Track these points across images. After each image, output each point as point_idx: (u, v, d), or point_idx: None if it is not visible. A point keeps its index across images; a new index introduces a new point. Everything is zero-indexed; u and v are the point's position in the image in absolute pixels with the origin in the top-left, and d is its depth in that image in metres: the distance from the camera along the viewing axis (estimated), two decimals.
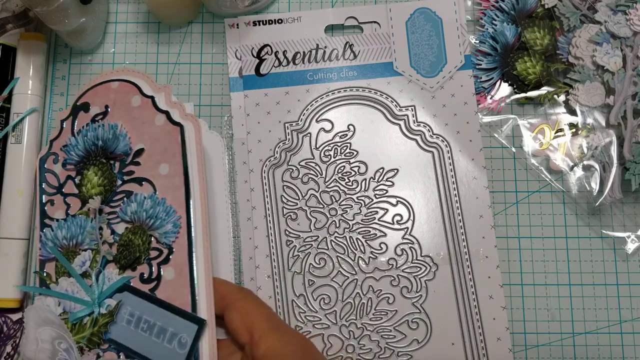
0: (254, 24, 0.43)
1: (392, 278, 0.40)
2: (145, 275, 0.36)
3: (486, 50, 0.42)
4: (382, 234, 0.40)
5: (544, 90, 0.42)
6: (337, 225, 0.40)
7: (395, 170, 0.41)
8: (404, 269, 0.40)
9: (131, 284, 0.36)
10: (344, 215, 0.40)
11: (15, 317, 0.40)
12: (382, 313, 0.39)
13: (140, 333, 0.35)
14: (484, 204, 0.40)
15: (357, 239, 0.40)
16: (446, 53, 0.42)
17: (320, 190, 0.41)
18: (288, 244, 0.40)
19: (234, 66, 0.43)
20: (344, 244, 0.40)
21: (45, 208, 0.39)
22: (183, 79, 0.44)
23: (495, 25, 0.42)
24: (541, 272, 0.41)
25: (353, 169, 0.41)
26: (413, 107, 0.42)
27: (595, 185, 0.40)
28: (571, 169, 0.41)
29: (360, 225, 0.40)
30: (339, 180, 0.41)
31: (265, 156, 0.41)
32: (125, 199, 0.37)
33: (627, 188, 0.40)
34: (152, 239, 0.36)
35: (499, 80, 0.42)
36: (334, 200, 0.41)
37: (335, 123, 0.42)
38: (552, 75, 0.41)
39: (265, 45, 0.43)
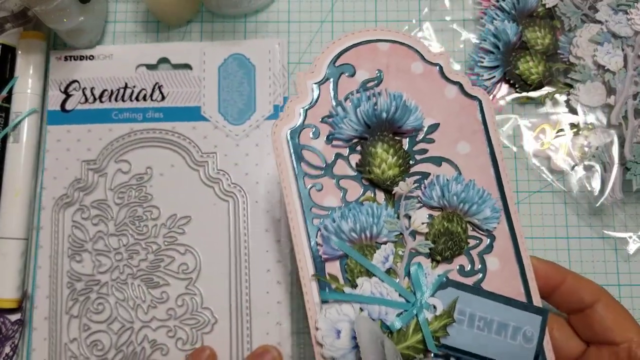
0: (66, 59, 0.42)
1: (169, 329, 0.39)
2: (467, 268, 0.32)
3: (488, 47, 0.42)
4: (166, 282, 0.39)
5: (545, 90, 0.41)
6: (121, 271, 0.40)
7: (188, 218, 0.40)
8: (182, 319, 0.39)
9: (449, 278, 0.31)
10: (130, 260, 0.40)
11: (13, 317, 0.39)
12: None
13: (477, 332, 0.31)
14: (273, 258, 0.39)
15: (138, 285, 0.39)
16: (256, 101, 0.42)
17: (109, 233, 0.40)
18: (69, 286, 0.39)
19: (56, 99, 0.42)
20: (125, 290, 0.39)
21: (310, 194, 0.31)
22: None
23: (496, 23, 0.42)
24: None
25: (146, 213, 0.40)
26: (215, 154, 0.41)
27: (596, 185, 0.40)
28: (572, 168, 0.41)
29: (144, 272, 0.39)
30: (130, 224, 0.40)
31: (59, 194, 0.41)
32: (424, 181, 0.32)
33: (628, 188, 0.39)
34: (468, 226, 0.32)
35: (501, 79, 0.42)
36: (121, 245, 0.40)
37: (133, 165, 0.41)
38: (554, 76, 0.41)
39: (73, 81, 0.42)
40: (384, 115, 0.32)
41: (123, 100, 0.42)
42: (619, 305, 0.33)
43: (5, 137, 0.41)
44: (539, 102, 0.42)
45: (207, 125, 0.41)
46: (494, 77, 0.42)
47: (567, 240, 0.41)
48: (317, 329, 0.29)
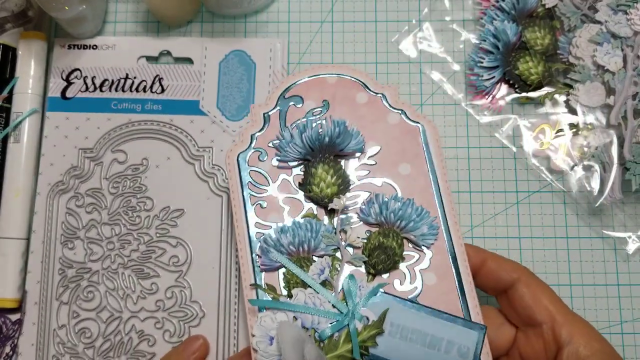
0: (69, 47, 0.43)
1: (157, 320, 0.39)
2: (403, 282, 0.33)
3: (488, 47, 0.42)
4: (156, 274, 0.40)
5: (544, 90, 0.41)
6: (112, 260, 0.40)
7: (181, 211, 0.40)
8: (170, 312, 0.39)
9: (385, 291, 0.32)
10: (121, 250, 0.40)
11: (14, 317, 0.39)
12: (140, 354, 0.39)
13: (410, 344, 0.31)
14: None
15: (129, 276, 0.40)
16: (255, 99, 0.42)
17: (102, 221, 0.40)
18: (60, 272, 0.40)
19: (57, 86, 0.42)
20: (115, 279, 0.40)
21: (255, 210, 0.34)
22: None
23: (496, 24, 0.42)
24: (542, 273, 0.40)
25: (139, 204, 0.41)
26: (211, 149, 0.41)
27: (595, 186, 0.40)
28: (572, 169, 0.41)
29: (135, 263, 0.40)
30: (123, 214, 0.40)
31: (54, 180, 0.41)
32: (363, 199, 0.34)
33: (628, 188, 0.39)
34: (405, 242, 0.34)
35: (501, 79, 0.42)
36: (114, 234, 0.40)
37: (129, 155, 0.41)
38: (553, 76, 0.41)
39: (75, 69, 0.42)
40: (327, 139, 0.34)
41: (123, 91, 0.42)
42: (540, 283, 0.33)
43: (6, 138, 0.41)
44: (539, 102, 0.42)
45: (204, 120, 0.42)
46: (494, 77, 0.42)
47: (566, 240, 0.41)
48: (252, 335, 0.31)
